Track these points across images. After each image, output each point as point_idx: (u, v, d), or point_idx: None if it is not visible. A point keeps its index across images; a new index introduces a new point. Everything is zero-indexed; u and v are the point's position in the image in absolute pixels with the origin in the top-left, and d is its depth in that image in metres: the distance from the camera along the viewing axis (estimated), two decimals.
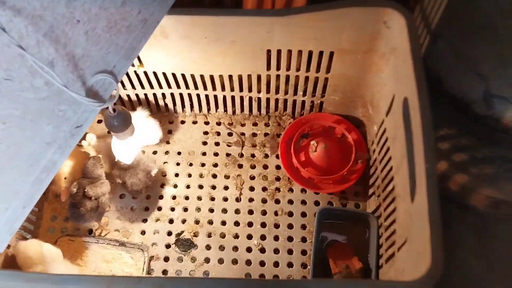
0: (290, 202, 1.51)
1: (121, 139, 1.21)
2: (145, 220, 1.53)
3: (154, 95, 1.64)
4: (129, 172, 1.46)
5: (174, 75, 1.51)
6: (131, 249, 1.47)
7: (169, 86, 1.58)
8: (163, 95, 1.64)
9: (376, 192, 1.44)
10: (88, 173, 1.42)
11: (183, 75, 1.51)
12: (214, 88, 1.57)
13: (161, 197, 1.57)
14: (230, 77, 1.49)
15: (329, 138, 1.47)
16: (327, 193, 1.44)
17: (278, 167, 1.54)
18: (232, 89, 1.57)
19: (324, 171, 1.42)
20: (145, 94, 1.64)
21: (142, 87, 1.59)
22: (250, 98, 1.61)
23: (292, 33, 1.28)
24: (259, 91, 1.57)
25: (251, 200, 1.55)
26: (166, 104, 1.69)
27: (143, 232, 1.51)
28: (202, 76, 1.50)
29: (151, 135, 1.58)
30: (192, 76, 1.50)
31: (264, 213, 1.52)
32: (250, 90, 1.56)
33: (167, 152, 1.66)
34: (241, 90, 1.57)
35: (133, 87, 1.59)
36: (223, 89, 1.57)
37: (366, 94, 1.49)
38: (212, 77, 1.51)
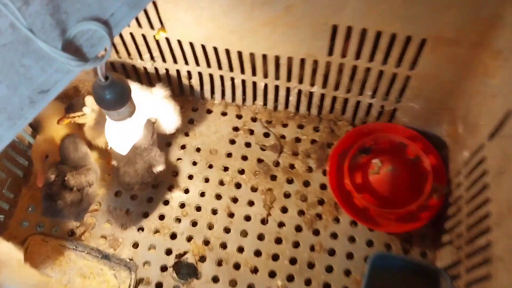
0: (333, 236, 1.22)
1: (116, 120, 0.96)
2: (140, 229, 1.28)
3: (178, 72, 1.40)
4: (127, 158, 1.21)
5: (204, 47, 1.26)
6: (117, 265, 1.22)
7: (197, 63, 1.33)
8: (189, 73, 1.39)
9: (454, 242, 1.12)
10: (66, 158, 1.18)
11: (215, 49, 1.25)
12: (254, 73, 1.31)
13: (166, 202, 1.32)
14: (277, 58, 1.22)
15: (397, 158, 1.25)
16: (386, 232, 1.23)
17: (323, 187, 1.28)
18: (277, 77, 1.30)
19: (385, 202, 1.21)
20: (167, 70, 1.39)
21: (164, 59, 1.35)
22: (299, 92, 1.33)
23: (371, 5, 0.99)
24: (312, 84, 1.29)
25: (281, 225, 1.27)
26: (191, 86, 1.44)
27: (135, 245, 1.26)
28: (240, 54, 1.24)
29: (167, 121, 1.32)
30: (227, 52, 1.24)
31: (296, 245, 1.23)
32: (300, 80, 1.29)
33: (183, 147, 1.41)
34: (288, 79, 1.29)
35: (152, 57, 1.35)
36: (265, 75, 1.30)
37: (459, 106, 1.18)
38: (252, 56, 1.24)
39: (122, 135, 1.03)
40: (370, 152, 1.31)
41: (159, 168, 1.24)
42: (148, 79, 1.43)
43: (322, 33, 1.10)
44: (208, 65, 1.33)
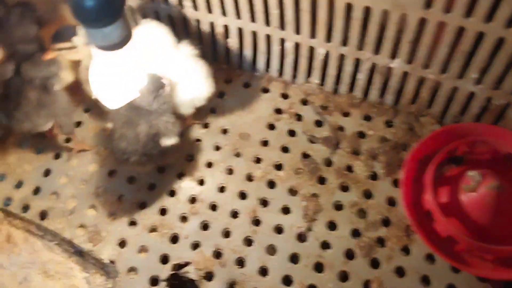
0: (399, 272, 0.96)
1: (100, 47, 0.72)
2: (133, 224, 1.04)
3: (212, 26, 1.15)
4: (127, 117, 0.95)
5: None
6: (92, 267, 0.97)
7: (238, 14, 1.09)
8: (226, 29, 1.15)
9: None
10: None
11: None
12: (313, 33, 1.04)
13: (171, 193, 1.07)
14: (348, 8, 0.95)
15: (506, 175, 0.98)
16: (478, 276, 0.95)
17: (391, 202, 1.04)
18: (344, 41, 1.02)
19: (481, 233, 0.95)
20: (198, 22, 1.15)
21: (195, 5, 1.11)
22: (373, 68, 1.07)
23: None
24: (393, 56, 1.01)
25: (325, 246, 0.98)
26: (227, 49, 1.20)
27: (122, 243, 1.01)
28: (296, 2, 0.97)
29: (192, 87, 1.05)
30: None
31: (343, 277, 0.96)
32: (377, 49, 1.01)
33: (206, 125, 1.15)
34: (360, 45, 1.02)
35: (180, 3, 1.11)
36: (328, 37, 1.03)
37: None
38: (313, 6, 0.97)
39: (110, 76, 0.78)
40: (462, 162, 1.01)
41: (170, 140, 0.97)
42: (175, 31, 1.19)
43: None
44: (253, 18, 1.08)
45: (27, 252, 1.00)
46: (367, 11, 0.95)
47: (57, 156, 1.14)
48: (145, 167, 1.01)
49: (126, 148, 0.95)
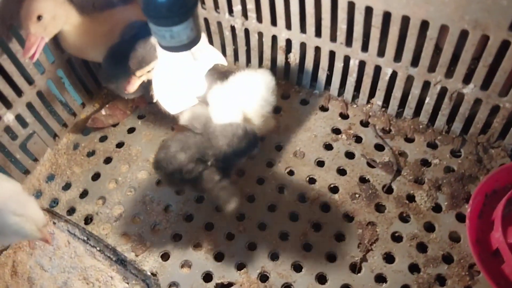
0: None
1: (166, 48, 0.69)
2: (177, 237, 0.99)
3: (274, 39, 1.11)
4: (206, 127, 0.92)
5: None
6: (132, 278, 0.93)
7: (303, 28, 1.05)
8: (288, 43, 1.11)
9: None
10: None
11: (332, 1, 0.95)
12: (380, 52, 0.98)
13: (218, 207, 1.02)
14: (423, 27, 0.89)
15: None
16: None
17: (455, 238, 0.96)
18: (414, 62, 0.96)
19: None
20: (260, 35, 1.12)
21: (259, 17, 1.08)
22: (443, 92, 1.00)
23: None
24: (467, 81, 0.94)
25: (380, 279, 0.91)
26: (287, 64, 1.16)
27: (165, 256, 0.97)
28: (368, 11, 0.93)
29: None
30: (351, 6, 0.94)
31: None
32: (449, 73, 0.94)
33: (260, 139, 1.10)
34: (432, 67, 0.95)
35: (245, 12, 1.08)
36: (397, 56, 0.97)
37: None
38: (385, 23, 0.92)
39: (174, 79, 0.75)
40: None
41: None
42: (235, 47, 1.17)
43: None
44: (318, 32, 1.04)
45: (69, 256, 0.97)
46: (443, 30, 0.89)
47: (107, 161, 1.13)
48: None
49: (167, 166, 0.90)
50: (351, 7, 0.94)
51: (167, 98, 0.80)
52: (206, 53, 0.76)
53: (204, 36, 0.73)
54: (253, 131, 0.91)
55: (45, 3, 0.90)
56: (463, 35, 0.87)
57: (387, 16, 0.92)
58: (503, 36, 0.83)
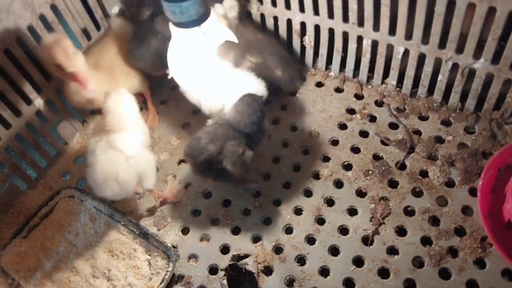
0: (471, 285, 0.90)
1: (177, 23, 0.73)
2: (197, 212, 1.04)
3: (289, 23, 1.15)
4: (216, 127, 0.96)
5: None
6: (154, 250, 0.98)
7: (316, 10, 1.08)
8: (303, 26, 1.14)
9: None
10: None
11: None
12: (392, 29, 1.00)
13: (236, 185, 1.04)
14: (431, 1, 0.89)
15: None
16: None
17: (467, 211, 0.97)
18: (425, 40, 0.97)
19: None
20: (275, 19, 1.15)
21: (274, 3, 1.11)
22: (454, 68, 1.01)
23: None
24: (477, 56, 0.94)
25: (392, 251, 0.93)
26: (303, 47, 1.19)
27: (185, 230, 1.02)
28: None
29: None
30: None
31: (409, 285, 0.90)
32: (460, 48, 0.95)
33: (275, 121, 1.15)
34: (442, 43, 0.97)
35: None
36: (408, 34, 0.98)
37: None
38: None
39: (187, 55, 0.80)
40: None
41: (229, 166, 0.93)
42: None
43: None
44: (331, 14, 1.06)
45: (96, 231, 1.03)
46: (451, 5, 0.89)
47: None
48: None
49: (190, 152, 0.94)
50: None
51: (181, 74, 0.84)
52: (217, 30, 0.79)
53: (213, 14, 0.76)
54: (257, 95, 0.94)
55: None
56: (470, 8, 0.87)
57: None
58: (510, 7, 0.84)
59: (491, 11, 0.86)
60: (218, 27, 0.80)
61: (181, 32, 0.76)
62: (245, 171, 1.07)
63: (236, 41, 0.87)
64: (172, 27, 0.76)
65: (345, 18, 1.06)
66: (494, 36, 0.90)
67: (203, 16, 0.72)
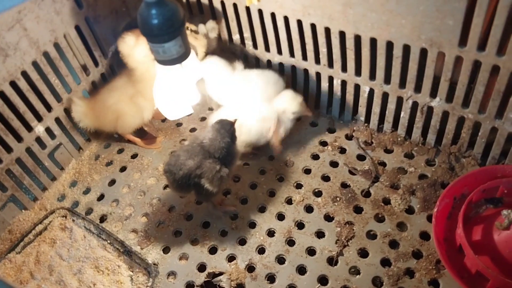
0: None
1: (161, 61, 0.83)
2: (178, 233, 1.11)
3: (269, 63, 1.25)
4: (191, 147, 1.04)
5: (300, 24, 1.10)
6: (136, 266, 1.05)
7: (291, 53, 1.19)
8: (281, 67, 1.23)
9: None
10: None
11: (313, 27, 1.09)
12: (358, 71, 1.10)
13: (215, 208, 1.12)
14: (389, 46, 1.01)
15: None
16: None
17: (424, 236, 1.04)
18: (387, 79, 1.07)
19: None
20: (257, 60, 1.26)
21: (255, 44, 1.23)
22: (414, 106, 1.10)
23: None
24: (433, 95, 1.04)
25: (354, 271, 1.00)
26: None
27: (166, 250, 1.09)
28: (342, 35, 1.06)
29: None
30: (327, 32, 1.07)
31: None
32: (418, 87, 1.05)
33: (255, 153, 1.22)
34: (402, 83, 1.07)
35: (242, 39, 1.23)
36: (372, 75, 1.09)
37: None
38: (357, 41, 1.04)
39: (170, 89, 0.89)
40: (500, 204, 1.00)
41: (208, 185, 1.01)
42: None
43: (454, 3, 0.86)
44: (304, 56, 1.17)
45: (84, 248, 1.10)
46: (406, 49, 1.00)
47: (122, 169, 1.26)
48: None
49: (169, 168, 1.03)
50: (327, 32, 1.07)
51: (166, 106, 0.94)
52: (196, 67, 0.90)
53: (193, 52, 0.87)
54: (227, 121, 1.03)
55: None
56: (423, 53, 0.98)
57: (358, 39, 1.04)
58: (456, 52, 0.94)
59: (441, 55, 0.96)
60: (196, 64, 0.91)
61: (164, 69, 0.86)
62: (224, 196, 1.15)
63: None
64: (157, 64, 0.87)
65: (317, 60, 1.16)
66: (446, 78, 0.99)
67: (184, 55, 0.82)
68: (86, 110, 1.20)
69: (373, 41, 1.02)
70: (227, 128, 1.01)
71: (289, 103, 1.14)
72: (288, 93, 1.15)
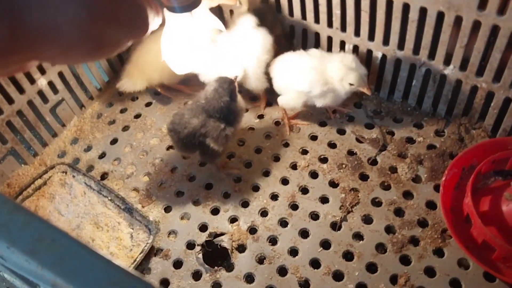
0: (429, 272, 0.94)
1: (172, 8, 0.80)
2: (180, 193, 1.09)
3: None
4: (195, 106, 1.02)
5: None
6: (137, 223, 1.03)
7: (303, 14, 1.15)
8: (291, 29, 1.20)
9: None
10: None
11: None
12: (371, 35, 1.07)
13: (219, 169, 1.10)
14: (405, 9, 0.97)
15: None
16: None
17: (431, 205, 1.02)
18: (400, 45, 1.04)
19: None
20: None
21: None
22: (427, 74, 1.06)
23: None
24: (447, 61, 1.01)
25: (357, 237, 0.98)
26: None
27: (168, 209, 1.07)
28: (357, 3, 1.02)
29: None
30: None
31: (371, 268, 0.94)
32: (432, 54, 1.02)
33: (260, 116, 1.21)
34: (416, 49, 1.03)
35: None
36: (385, 40, 1.05)
37: None
38: (373, 6, 1.01)
39: (179, 41, 0.86)
40: (510, 177, 0.98)
41: (213, 144, 1.01)
42: None
43: None
44: (317, 18, 1.14)
45: (84, 204, 1.09)
46: (422, 12, 0.97)
47: (125, 129, 1.24)
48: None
49: (174, 127, 1.01)
50: None
51: (173, 58, 0.91)
52: (207, 18, 0.86)
53: (204, 2, 0.84)
54: (226, 79, 1.00)
55: None
56: (440, 16, 0.95)
57: (374, 1, 1.01)
58: (474, 17, 0.91)
59: (458, 19, 0.93)
60: (208, 15, 0.87)
61: (174, 17, 0.83)
62: (228, 159, 1.13)
63: (224, 29, 0.94)
64: (166, 13, 0.83)
65: (330, 23, 1.13)
66: (461, 44, 0.97)
67: (195, 3, 0.79)
68: (129, 71, 1.20)
69: (389, 3, 0.99)
70: (225, 87, 0.98)
71: (349, 73, 1.02)
72: (350, 58, 1.04)
